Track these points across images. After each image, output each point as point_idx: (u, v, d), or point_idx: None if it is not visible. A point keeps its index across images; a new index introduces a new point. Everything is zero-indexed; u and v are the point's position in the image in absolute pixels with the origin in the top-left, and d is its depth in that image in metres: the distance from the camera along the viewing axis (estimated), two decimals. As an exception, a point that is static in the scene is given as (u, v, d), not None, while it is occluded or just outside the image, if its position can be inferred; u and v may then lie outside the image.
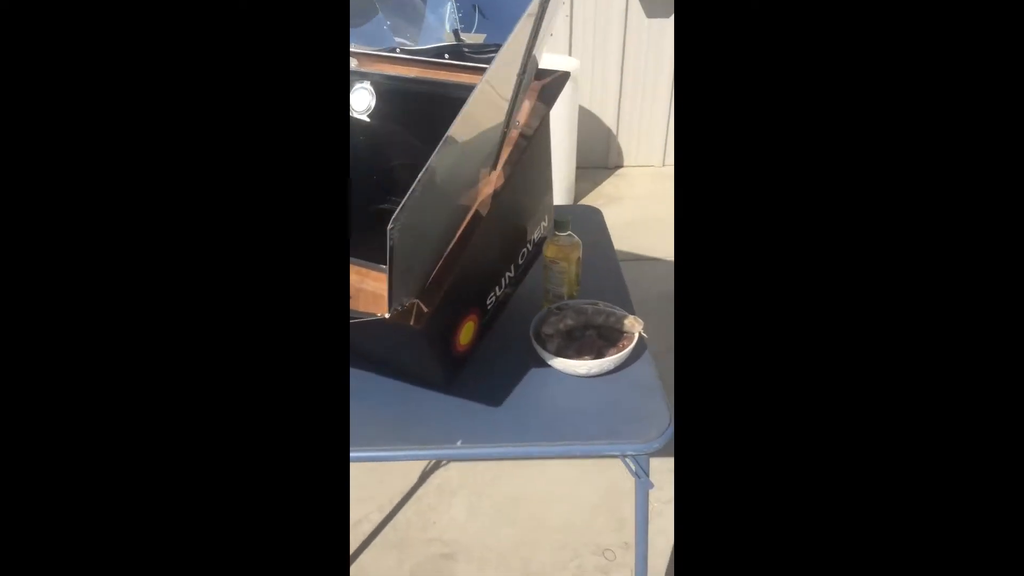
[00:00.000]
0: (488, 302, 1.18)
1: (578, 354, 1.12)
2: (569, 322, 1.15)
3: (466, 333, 1.13)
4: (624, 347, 1.15)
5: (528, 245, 1.28)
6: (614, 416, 1.07)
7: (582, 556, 1.80)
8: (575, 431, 1.03)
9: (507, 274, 1.22)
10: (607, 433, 1.03)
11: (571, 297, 1.30)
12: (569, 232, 1.25)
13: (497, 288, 1.20)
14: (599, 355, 1.13)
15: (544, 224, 1.27)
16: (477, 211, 1.03)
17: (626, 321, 1.16)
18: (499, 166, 1.05)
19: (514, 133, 1.08)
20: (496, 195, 1.05)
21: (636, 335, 1.17)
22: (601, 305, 1.23)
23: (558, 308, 1.22)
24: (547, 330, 1.13)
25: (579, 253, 1.26)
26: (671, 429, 1.07)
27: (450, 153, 0.79)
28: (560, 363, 1.11)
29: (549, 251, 1.26)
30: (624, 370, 1.17)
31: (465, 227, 1.02)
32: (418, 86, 1.21)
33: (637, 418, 1.06)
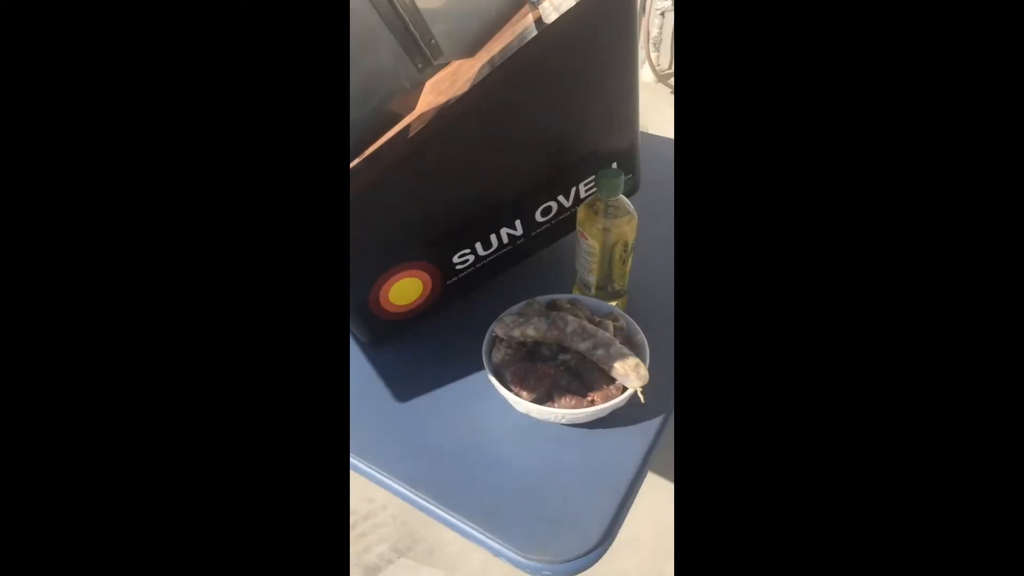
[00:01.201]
0: (460, 260, 0.84)
1: (521, 384, 0.74)
2: (531, 332, 0.76)
3: (403, 292, 0.83)
4: (594, 400, 0.73)
5: (561, 198, 0.87)
6: (542, 501, 0.70)
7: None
8: (484, 507, 0.69)
9: (504, 229, 0.85)
10: (523, 531, 0.67)
11: (598, 292, 0.88)
12: (619, 197, 0.81)
13: (479, 244, 0.84)
14: (549, 396, 0.74)
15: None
16: (434, 115, 0.68)
17: (619, 365, 0.73)
18: (483, 50, 0.67)
19: (524, 10, 0.67)
20: (476, 99, 0.68)
21: (629, 391, 0.73)
22: (604, 319, 0.79)
23: (527, 304, 0.82)
24: (502, 332, 0.77)
25: (629, 233, 0.82)
26: (602, 550, 0.67)
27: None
28: (500, 388, 0.75)
29: (579, 216, 0.84)
30: (594, 429, 0.76)
31: (416, 131, 0.68)
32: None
33: (571, 518, 0.68)
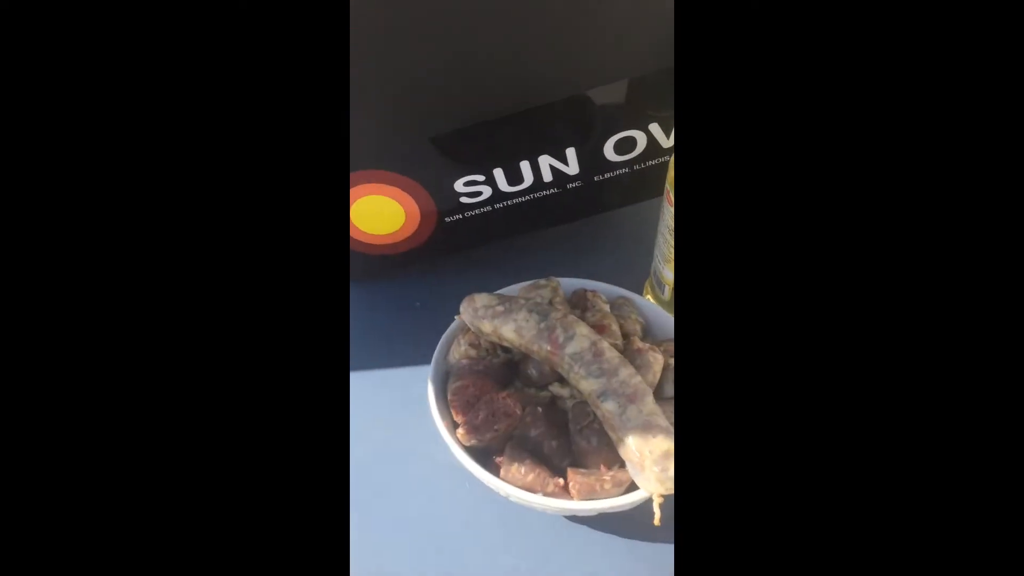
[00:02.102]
0: (468, 191, 0.54)
1: (464, 413, 0.43)
2: (508, 332, 0.43)
3: (373, 214, 0.54)
4: (568, 487, 0.40)
5: (656, 128, 0.52)
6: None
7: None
8: None
9: (547, 158, 0.52)
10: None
11: (675, 299, 0.53)
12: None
13: (500, 173, 0.53)
14: (499, 450, 0.42)
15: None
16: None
17: (637, 442, 0.38)
18: None
19: None
20: None
21: (638, 494, 0.39)
22: (658, 347, 0.45)
23: (533, 284, 0.49)
24: (467, 318, 0.45)
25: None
26: None
27: None
28: (432, 407, 0.45)
29: (673, 166, 0.48)
30: (577, 527, 0.44)
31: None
32: None
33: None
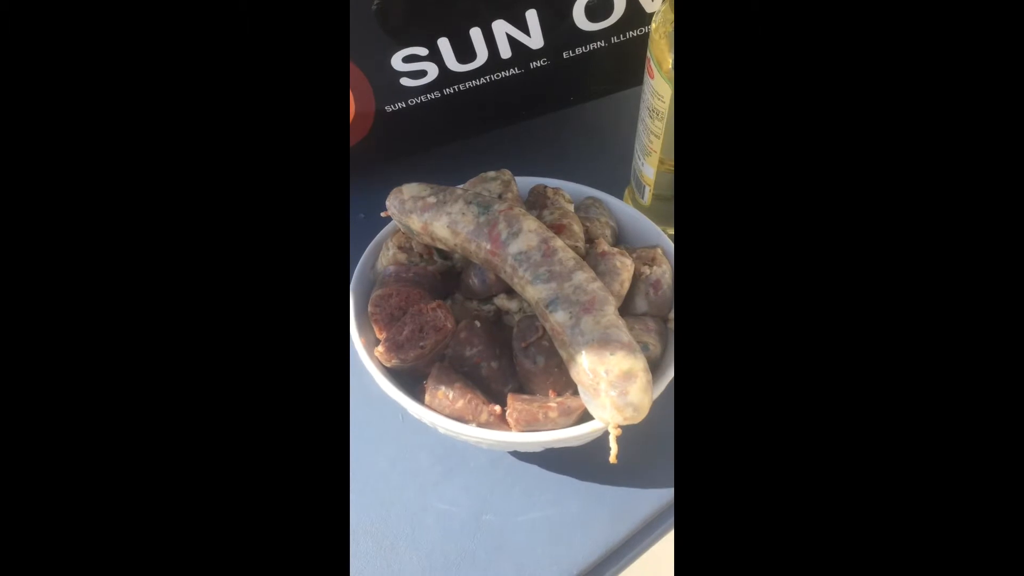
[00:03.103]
0: (410, 69, 0.44)
1: (384, 326, 0.35)
2: (439, 229, 0.35)
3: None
4: (504, 415, 0.32)
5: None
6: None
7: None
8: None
9: (502, 23, 0.43)
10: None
11: (656, 200, 0.44)
12: None
13: (446, 44, 0.43)
14: (425, 373, 0.34)
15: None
16: None
17: (592, 361, 0.30)
18: None
19: None
20: None
21: (591, 424, 0.31)
22: (636, 255, 0.36)
23: (480, 178, 0.40)
24: (394, 211, 0.37)
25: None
26: None
27: None
28: (352, 320, 0.37)
29: (654, 31, 0.39)
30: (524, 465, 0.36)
31: None
32: None
33: None
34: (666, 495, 0.37)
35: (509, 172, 0.41)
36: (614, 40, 0.45)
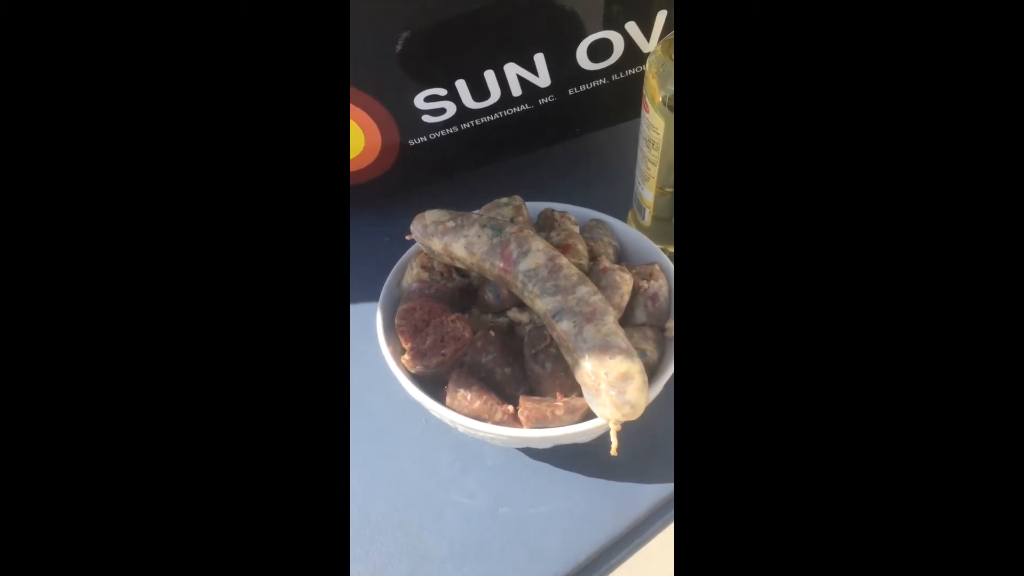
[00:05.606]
0: (430, 107, 0.49)
1: (410, 337, 0.40)
2: (458, 250, 0.39)
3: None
4: (517, 414, 0.36)
5: (632, 27, 0.47)
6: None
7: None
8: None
9: (514, 67, 0.48)
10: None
11: (656, 222, 0.48)
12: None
13: (463, 85, 0.48)
14: (446, 378, 0.38)
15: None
16: None
17: (594, 364, 0.34)
18: None
19: None
20: None
21: (593, 422, 0.35)
22: (637, 272, 0.40)
23: (493, 204, 0.45)
24: (417, 235, 0.41)
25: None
26: None
27: None
28: (379, 332, 0.41)
29: (649, 68, 0.43)
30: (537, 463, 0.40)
31: None
32: None
33: None
34: (666, 489, 0.40)
35: (520, 198, 0.45)
36: (614, 78, 0.49)
